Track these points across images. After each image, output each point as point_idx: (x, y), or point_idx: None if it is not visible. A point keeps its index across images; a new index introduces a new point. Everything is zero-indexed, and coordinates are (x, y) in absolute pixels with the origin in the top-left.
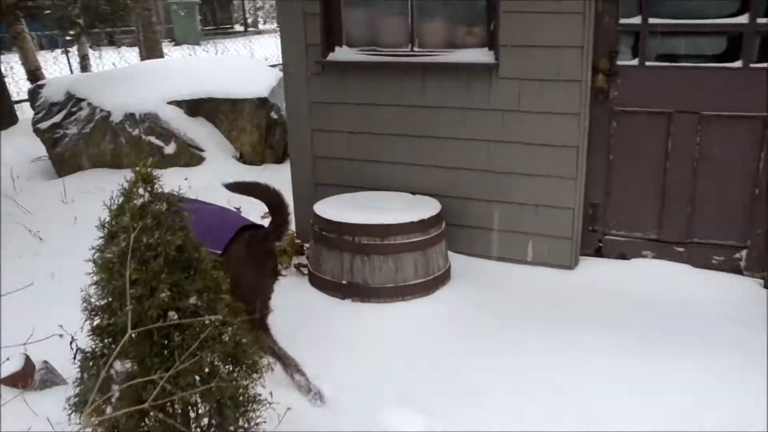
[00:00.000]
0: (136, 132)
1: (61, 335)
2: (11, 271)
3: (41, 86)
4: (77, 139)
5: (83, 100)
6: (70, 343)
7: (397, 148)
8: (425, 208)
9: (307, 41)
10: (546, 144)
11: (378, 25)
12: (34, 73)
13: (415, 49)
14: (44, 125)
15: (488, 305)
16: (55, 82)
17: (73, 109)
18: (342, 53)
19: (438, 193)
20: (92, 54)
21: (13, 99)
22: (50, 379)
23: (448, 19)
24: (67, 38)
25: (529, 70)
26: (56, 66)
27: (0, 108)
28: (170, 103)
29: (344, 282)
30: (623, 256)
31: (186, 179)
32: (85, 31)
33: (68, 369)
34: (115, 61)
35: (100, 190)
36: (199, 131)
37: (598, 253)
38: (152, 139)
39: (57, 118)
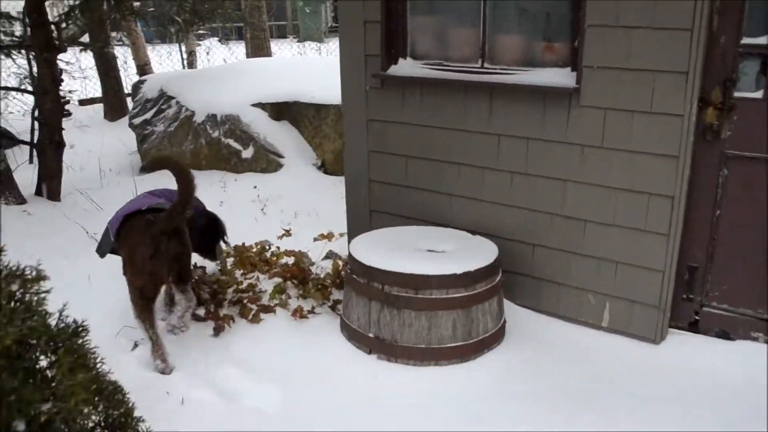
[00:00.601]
0: (215, 134)
1: None
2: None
3: (143, 82)
4: (162, 136)
5: (173, 98)
6: None
7: (459, 179)
8: (478, 255)
9: (366, 51)
10: (633, 190)
11: (446, 35)
12: (143, 68)
13: (486, 65)
14: (137, 120)
15: (545, 377)
16: (154, 78)
17: (163, 107)
18: (404, 66)
19: (502, 235)
20: (202, 50)
21: (126, 92)
22: None
23: (524, 32)
24: (172, 34)
25: (617, 98)
26: (169, 61)
27: (113, 101)
28: (255, 105)
29: (371, 335)
30: (725, 335)
31: (255, 187)
32: (184, 29)
33: None
34: (226, 57)
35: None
36: (281, 136)
37: (693, 327)
38: (230, 141)
39: (148, 115)
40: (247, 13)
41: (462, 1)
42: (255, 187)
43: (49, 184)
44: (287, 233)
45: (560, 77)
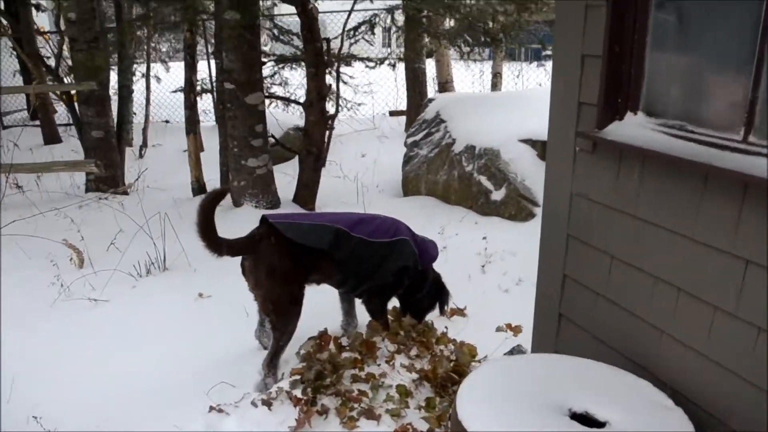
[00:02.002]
0: (469, 167)
1: None
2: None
3: (431, 100)
4: (423, 161)
5: (444, 122)
6: None
7: (675, 312)
8: None
9: (581, 97)
10: None
11: (699, 83)
12: (443, 86)
13: (751, 139)
14: (409, 140)
15: None
16: (440, 99)
17: (433, 130)
18: (629, 125)
19: (726, 420)
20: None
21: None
22: None
23: None
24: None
25: None
26: (476, 81)
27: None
28: (524, 140)
29: None
30: None
31: (484, 238)
32: (501, 47)
33: None
34: (542, 82)
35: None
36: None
37: None
38: (482, 179)
39: (419, 136)
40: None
41: (730, 28)
42: (484, 238)
43: (304, 193)
44: (460, 312)
45: None
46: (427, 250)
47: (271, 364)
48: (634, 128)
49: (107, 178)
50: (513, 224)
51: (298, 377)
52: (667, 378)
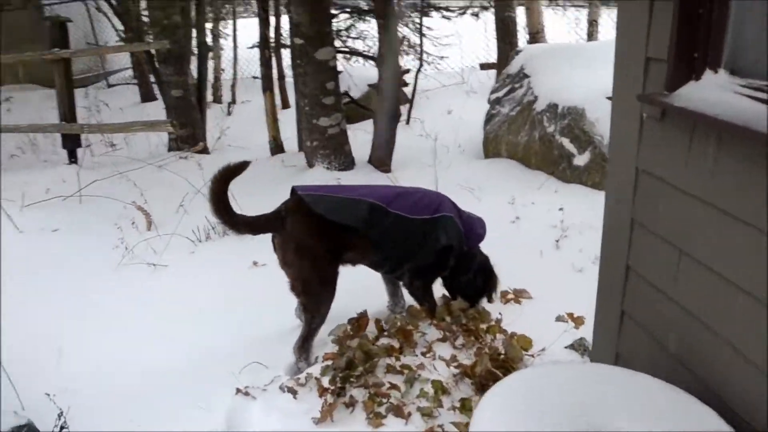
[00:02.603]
0: (551, 128)
1: None
2: None
3: (518, 52)
4: (503, 120)
5: (528, 77)
6: None
7: (750, 322)
8: None
9: (648, 51)
10: None
11: None
12: (534, 36)
13: None
14: (492, 96)
15: None
16: (527, 51)
17: (516, 86)
18: (707, 87)
19: None
20: (611, 19)
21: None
22: None
23: None
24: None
25: None
26: (571, 30)
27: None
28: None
29: None
30: None
31: (561, 209)
32: None
33: None
34: None
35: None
36: None
37: None
38: (564, 141)
39: (501, 93)
40: None
41: None
42: (561, 209)
43: (379, 154)
44: (515, 298)
45: None
46: (473, 228)
47: (303, 347)
48: (712, 90)
49: (187, 137)
50: (596, 193)
51: (329, 363)
52: (741, 410)
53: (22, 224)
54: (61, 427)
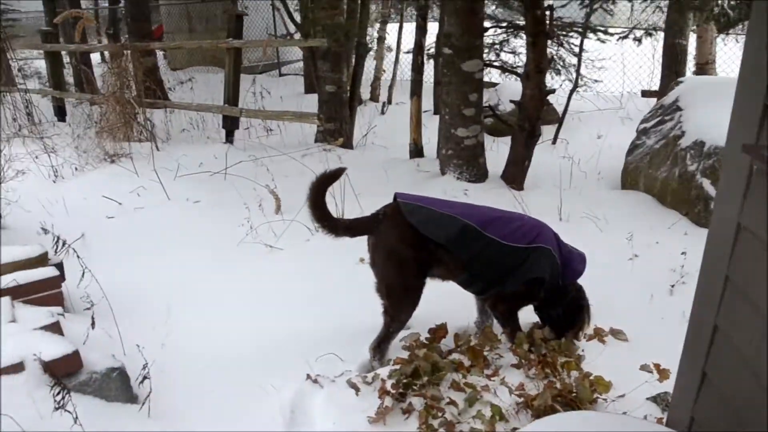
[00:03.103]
0: (693, 167)
1: None
2: None
3: (678, 83)
4: (646, 153)
5: (680, 110)
6: None
7: None
8: None
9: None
10: None
11: None
12: (702, 67)
13: None
14: (641, 126)
15: None
16: (688, 82)
17: (666, 118)
18: None
19: None
20: None
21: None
22: None
23: None
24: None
25: None
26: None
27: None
28: None
29: None
30: None
31: (683, 254)
32: None
33: None
34: None
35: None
36: None
37: None
38: (705, 183)
39: (650, 123)
40: None
41: None
42: (683, 253)
43: (513, 170)
44: (599, 337)
45: None
46: (571, 263)
47: (378, 348)
48: None
49: (334, 131)
50: None
51: (398, 367)
52: None
53: (172, 192)
54: (144, 377)
